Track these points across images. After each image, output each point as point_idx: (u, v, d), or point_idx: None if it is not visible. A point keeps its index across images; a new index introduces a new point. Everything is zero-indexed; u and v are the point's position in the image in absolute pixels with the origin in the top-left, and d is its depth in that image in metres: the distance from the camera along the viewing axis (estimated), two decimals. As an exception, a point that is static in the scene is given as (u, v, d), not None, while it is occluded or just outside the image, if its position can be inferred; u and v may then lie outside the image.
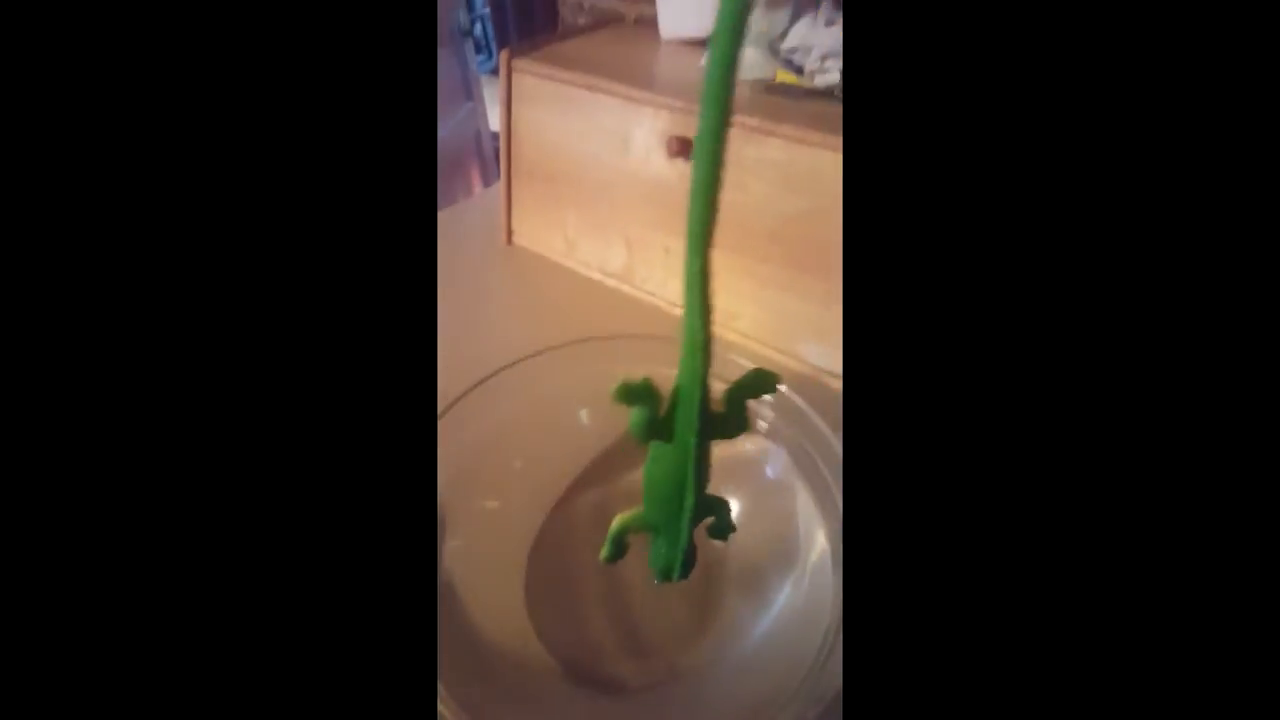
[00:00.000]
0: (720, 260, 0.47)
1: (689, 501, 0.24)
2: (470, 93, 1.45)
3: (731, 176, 0.43)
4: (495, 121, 1.60)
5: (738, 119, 0.39)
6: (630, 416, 0.23)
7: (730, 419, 0.24)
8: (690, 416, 0.22)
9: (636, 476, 0.35)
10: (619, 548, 0.27)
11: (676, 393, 0.22)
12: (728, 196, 0.43)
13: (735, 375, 0.33)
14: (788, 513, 0.31)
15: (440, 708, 0.22)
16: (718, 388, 0.23)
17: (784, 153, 0.39)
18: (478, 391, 0.32)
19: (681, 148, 0.42)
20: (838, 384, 0.42)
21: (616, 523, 0.26)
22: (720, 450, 0.34)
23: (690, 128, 0.42)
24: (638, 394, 0.22)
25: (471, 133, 1.50)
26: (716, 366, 0.34)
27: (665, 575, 0.26)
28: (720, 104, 0.18)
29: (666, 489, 0.24)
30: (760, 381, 0.24)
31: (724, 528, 0.28)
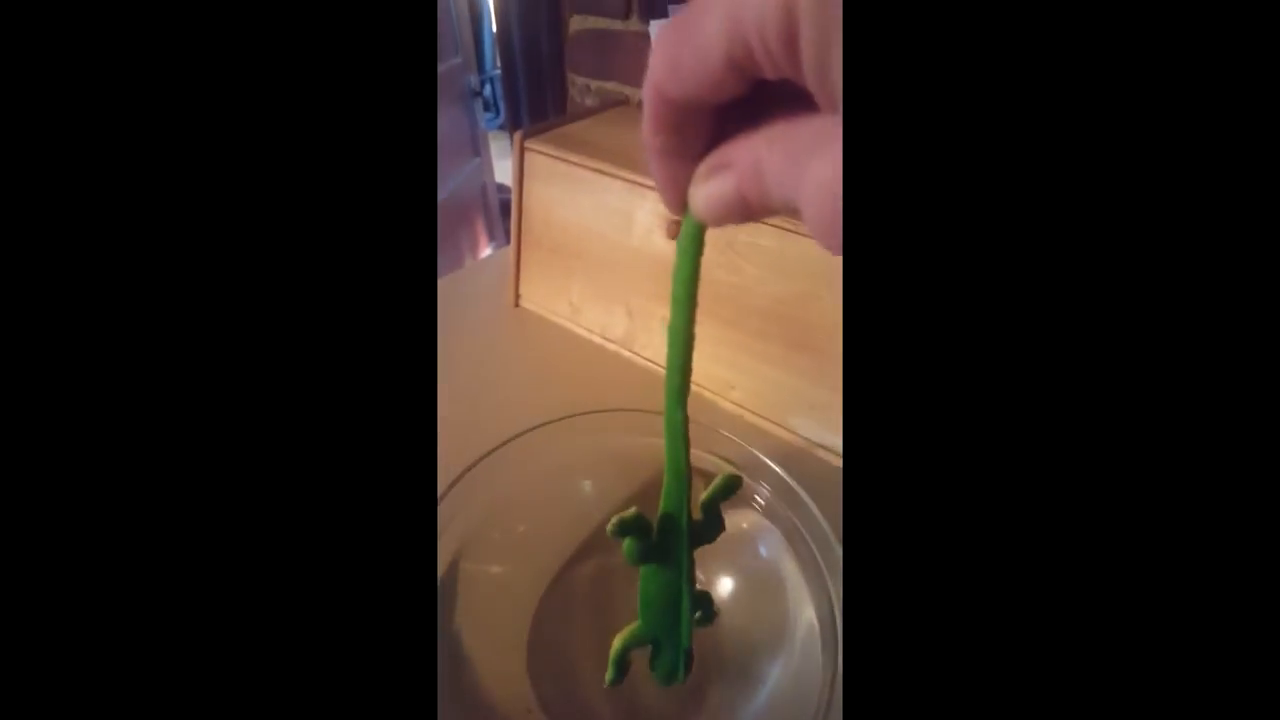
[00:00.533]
0: (717, 332, 0.49)
1: (685, 613, 0.26)
2: (478, 149, 1.51)
3: (726, 259, 0.46)
4: (500, 175, 1.66)
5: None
6: (624, 545, 0.25)
7: (708, 525, 0.26)
8: (680, 536, 0.25)
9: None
10: (622, 669, 0.28)
11: (662, 518, 0.25)
12: (724, 277, 0.46)
13: (726, 448, 0.35)
14: (779, 591, 0.32)
15: None
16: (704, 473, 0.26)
17: (775, 240, 0.42)
18: (488, 463, 0.33)
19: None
20: (828, 456, 0.44)
21: (617, 643, 0.27)
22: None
23: (690, 211, 0.45)
24: (631, 527, 0.24)
25: (478, 187, 1.55)
26: (713, 443, 0.36)
27: (669, 680, 0.28)
28: (687, 301, 0.21)
29: (662, 603, 0.26)
30: (729, 485, 0.27)
31: (708, 616, 0.30)
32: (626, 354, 0.54)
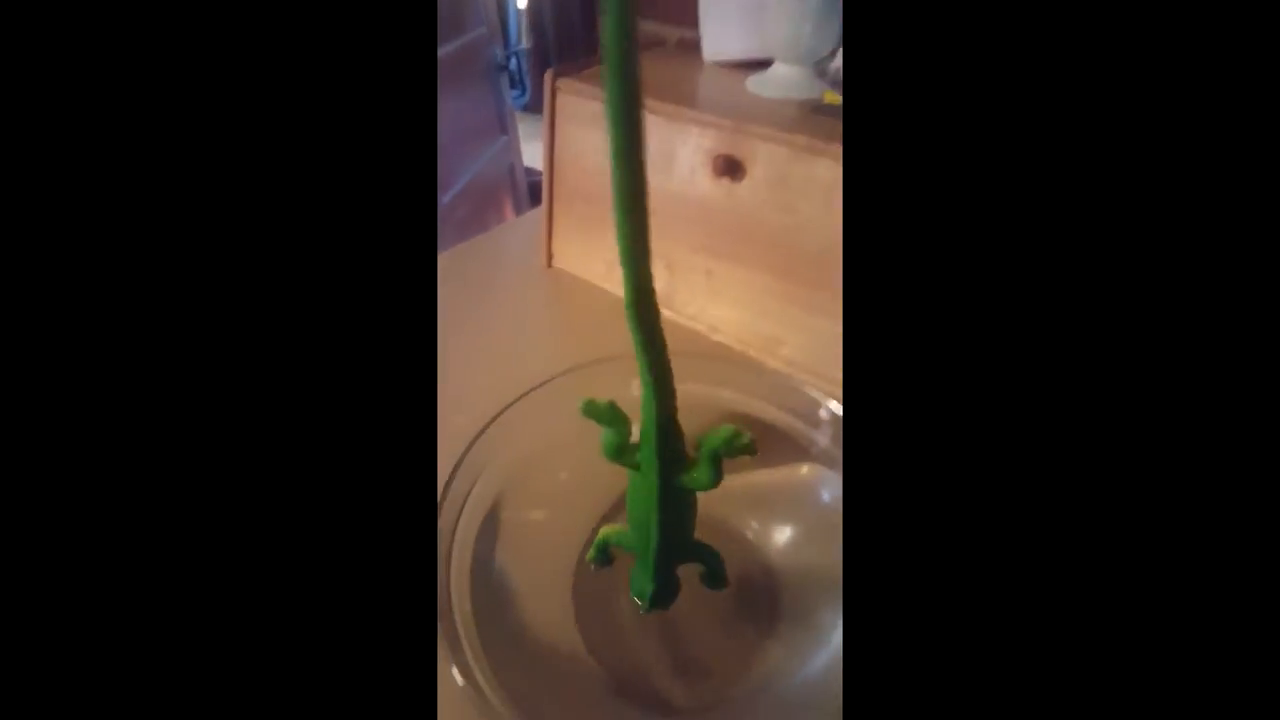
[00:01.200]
0: (765, 284, 0.46)
1: (654, 536, 0.25)
2: (505, 127, 1.49)
3: (778, 198, 0.43)
4: (529, 157, 1.64)
5: (785, 137, 0.39)
6: (601, 435, 0.24)
7: (703, 469, 0.24)
8: (650, 456, 0.23)
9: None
10: (604, 555, 0.29)
11: (643, 432, 0.23)
12: (776, 218, 0.43)
13: (781, 394, 0.32)
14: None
15: (488, 691, 0.22)
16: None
17: (832, 173, 0.38)
18: (526, 406, 0.31)
19: (728, 167, 0.42)
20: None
21: (602, 533, 0.28)
22: (774, 476, 0.33)
23: (737, 146, 0.42)
24: (601, 414, 0.24)
25: (505, 167, 1.53)
26: (763, 388, 0.33)
27: (640, 598, 0.28)
28: (623, 90, 0.15)
29: (640, 518, 0.26)
30: (733, 441, 0.24)
31: (717, 578, 0.28)
32: (667, 313, 0.50)
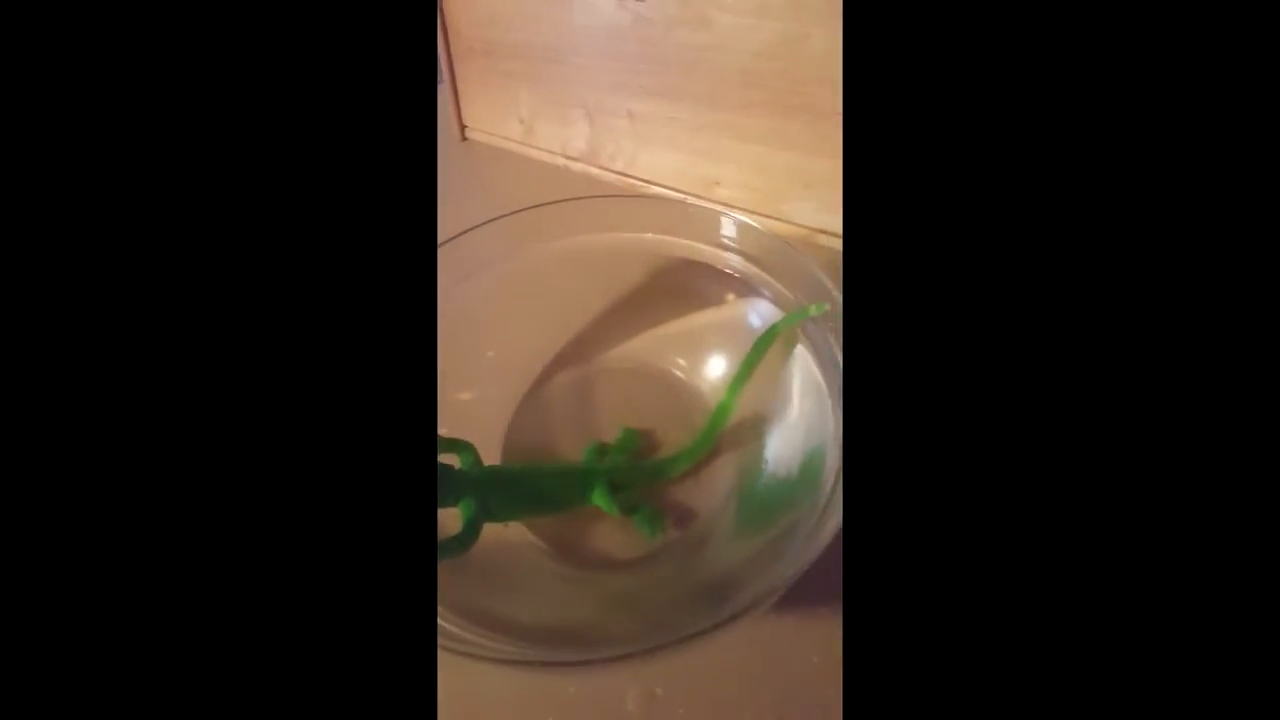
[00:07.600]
0: (691, 117, 0.44)
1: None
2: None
3: (689, 11, 0.40)
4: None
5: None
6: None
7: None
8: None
9: (616, 354, 0.34)
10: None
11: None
12: (689, 38, 0.40)
13: (707, 232, 0.31)
14: (780, 368, 0.29)
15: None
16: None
17: (746, -33, 0.36)
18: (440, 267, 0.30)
19: None
20: (830, 241, 0.40)
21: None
22: (700, 316, 0.33)
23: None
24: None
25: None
26: (690, 227, 0.32)
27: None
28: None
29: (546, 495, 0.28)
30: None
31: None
32: (594, 171, 0.49)
